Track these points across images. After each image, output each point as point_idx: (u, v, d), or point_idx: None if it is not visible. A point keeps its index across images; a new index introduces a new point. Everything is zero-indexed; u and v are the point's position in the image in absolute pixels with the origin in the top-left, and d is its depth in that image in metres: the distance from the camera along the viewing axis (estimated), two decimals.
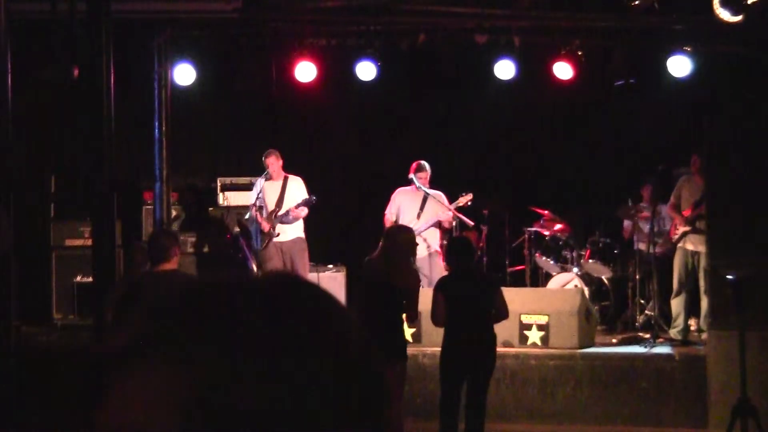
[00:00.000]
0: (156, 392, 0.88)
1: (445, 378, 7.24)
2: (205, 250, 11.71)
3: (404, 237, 7.33)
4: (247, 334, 0.89)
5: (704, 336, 9.35)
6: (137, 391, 0.89)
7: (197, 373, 0.87)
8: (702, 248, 9.47)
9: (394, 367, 7.09)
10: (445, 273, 9.12)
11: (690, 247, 9.79)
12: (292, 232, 10.54)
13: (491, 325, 7.31)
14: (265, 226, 10.50)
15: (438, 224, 10.61)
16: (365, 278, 7.27)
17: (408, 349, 8.24)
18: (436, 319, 7.31)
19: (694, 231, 9.69)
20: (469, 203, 10.55)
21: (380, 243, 7.32)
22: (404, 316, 7.24)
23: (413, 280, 7.31)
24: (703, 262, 9.50)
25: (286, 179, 10.61)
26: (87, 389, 0.97)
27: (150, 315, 0.93)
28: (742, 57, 10.43)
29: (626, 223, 11.43)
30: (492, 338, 7.30)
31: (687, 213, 9.84)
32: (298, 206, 10.44)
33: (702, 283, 9.60)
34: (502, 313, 7.34)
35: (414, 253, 7.81)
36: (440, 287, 7.32)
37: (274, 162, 10.59)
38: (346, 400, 0.90)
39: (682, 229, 9.84)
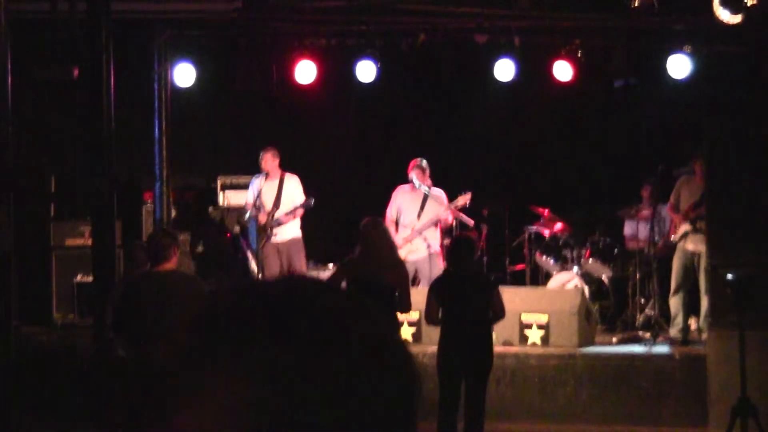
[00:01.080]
0: (223, 399, 0.90)
1: (443, 378, 7.24)
2: (205, 250, 11.71)
3: (381, 229, 7.31)
4: (296, 338, 0.91)
5: (704, 336, 9.35)
6: (205, 400, 0.91)
7: (258, 378, 0.89)
8: (702, 248, 9.47)
9: None
10: None
11: (690, 247, 9.78)
12: (288, 232, 10.54)
13: (488, 324, 7.31)
14: (263, 219, 10.50)
15: (438, 223, 10.61)
16: (351, 279, 7.22)
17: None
18: (429, 319, 7.31)
19: (695, 231, 9.69)
20: (468, 203, 10.55)
21: (358, 243, 7.27)
22: (399, 313, 7.28)
23: (402, 272, 7.30)
24: (703, 262, 9.49)
25: (282, 177, 10.61)
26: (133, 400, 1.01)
27: (199, 326, 0.95)
28: (742, 57, 10.42)
29: (627, 230, 11.39)
30: (489, 338, 7.30)
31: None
32: (296, 209, 10.44)
33: (702, 283, 9.60)
34: (499, 313, 7.35)
35: (393, 243, 7.75)
36: (435, 287, 7.31)
37: (271, 159, 10.58)
38: (386, 401, 0.92)
39: (682, 228, 9.84)
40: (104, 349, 7.48)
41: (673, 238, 10.02)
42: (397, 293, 7.20)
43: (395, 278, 7.16)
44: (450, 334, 7.23)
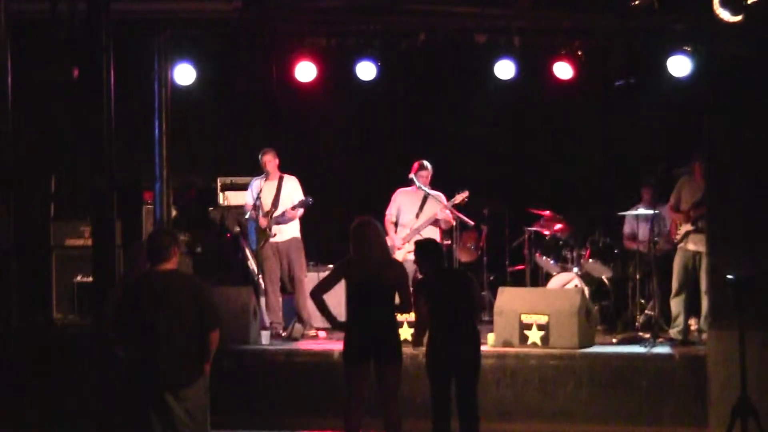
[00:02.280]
0: None
1: (433, 379, 7.24)
2: (205, 250, 11.71)
3: (374, 229, 7.27)
4: None
5: (704, 336, 9.35)
6: None
7: None
8: (703, 248, 9.47)
9: (390, 368, 7.09)
10: None
11: (691, 247, 9.79)
12: (288, 232, 10.56)
13: (472, 322, 7.32)
14: (263, 222, 10.51)
15: (437, 223, 10.62)
16: (352, 280, 7.19)
17: (407, 348, 8.22)
18: (423, 322, 7.27)
19: (696, 231, 9.69)
20: (465, 200, 10.57)
21: (352, 243, 7.22)
22: (400, 312, 7.28)
23: (402, 271, 7.28)
24: (704, 262, 9.49)
25: (281, 179, 10.63)
26: None
27: None
28: (742, 57, 10.41)
29: (627, 229, 11.39)
30: (475, 335, 7.30)
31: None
32: (294, 207, 10.46)
33: (702, 283, 9.60)
34: (478, 307, 7.41)
35: (386, 242, 7.70)
36: (420, 290, 7.29)
37: (271, 160, 10.61)
38: None
39: (684, 228, 9.84)
40: (104, 349, 7.49)
41: (675, 238, 10.01)
42: (397, 293, 7.19)
43: (395, 277, 7.15)
44: (436, 335, 7.23)
